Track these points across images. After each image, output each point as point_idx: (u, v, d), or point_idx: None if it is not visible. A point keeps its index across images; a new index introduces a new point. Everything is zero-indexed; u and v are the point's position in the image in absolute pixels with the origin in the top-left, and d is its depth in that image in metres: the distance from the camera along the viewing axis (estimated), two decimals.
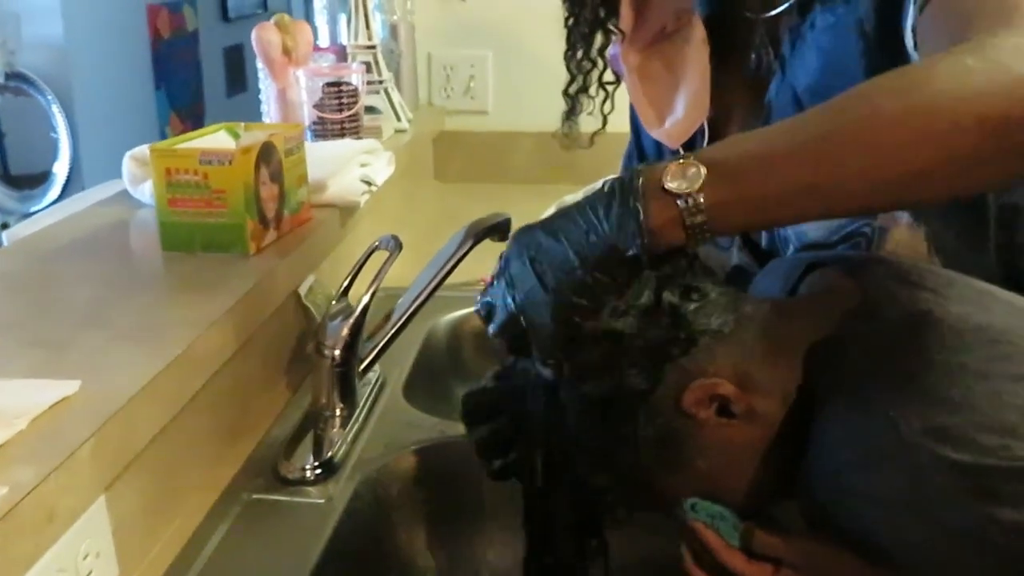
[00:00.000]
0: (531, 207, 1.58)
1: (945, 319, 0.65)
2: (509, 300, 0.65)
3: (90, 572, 0.68)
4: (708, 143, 0.97)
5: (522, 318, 0.64)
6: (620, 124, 1.99)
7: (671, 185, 0.60)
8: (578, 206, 0.64)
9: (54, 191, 3.35)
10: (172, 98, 3.83)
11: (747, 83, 0.91)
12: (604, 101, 1.03)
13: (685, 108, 0.94)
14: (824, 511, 0.66)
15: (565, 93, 1.02)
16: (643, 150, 1.09)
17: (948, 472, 0.58)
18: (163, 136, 3.50)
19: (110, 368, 0.76)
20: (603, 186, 0.64)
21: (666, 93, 0.96)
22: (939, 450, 0.58)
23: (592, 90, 1.01)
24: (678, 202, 0.60)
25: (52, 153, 3.38)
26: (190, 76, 4.00)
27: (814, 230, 0.86)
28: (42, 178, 3.41)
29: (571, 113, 1.03)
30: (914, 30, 0.72)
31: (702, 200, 0.60)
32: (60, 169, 3.37)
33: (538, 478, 0.71)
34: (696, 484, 0.69)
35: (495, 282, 0.68)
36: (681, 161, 0.60)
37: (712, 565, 0.71)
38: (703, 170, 0.60)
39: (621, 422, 0.67)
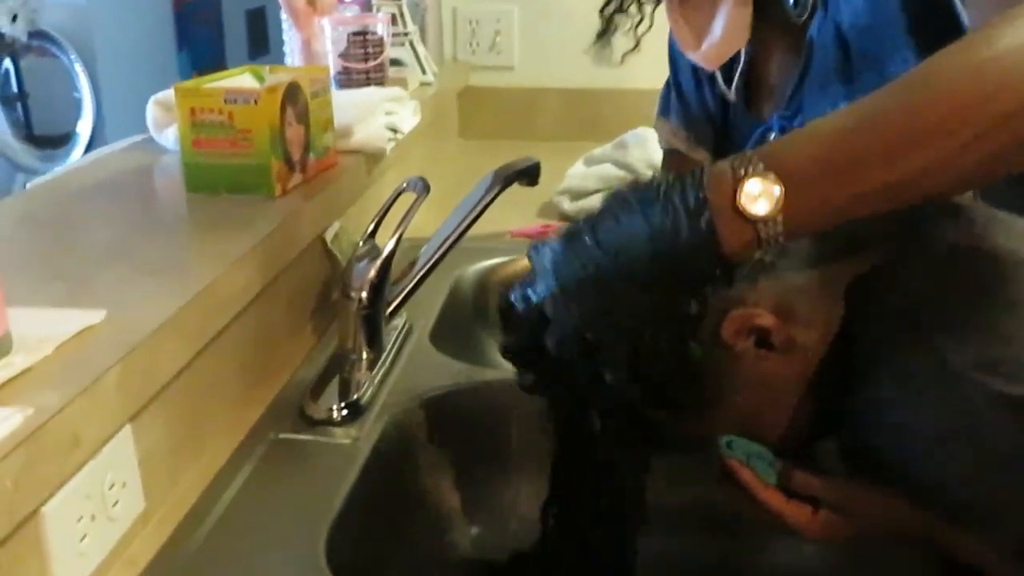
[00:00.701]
0: (557, 164, 1.57)
1: (994, 253, 0.63)
2: (571, 321, 0.59)
3: (116, 502, 0.67)
4: (744, 74, 0.94)
5: (587, 335, 0.59)
6: (648, 80, 1.97)
7: (749, 209, 0.55)
8: (630, 212, 0.58)
9: (77, 151, 3.35)
10: (195, 60, 3.81)
11: (788, 18, 0.88)
12: (639, 23, 1.00)
13: (723, 30, 0.91)
14: (866, 448, 0.64)
15: (601, 12, 0.99)
16: (680, 87, 1.07)
17: (999, 405, 0.56)
18: None
19: (134, 300, 0.75)
20: (659, 189, 0.57)
21: (704, 14, 0.93)
22: (990, 383, 0.56)
23: (632, 9, 0.98)
24: (757, 226, 0.55)
25: (75, 113, 3.38)
26: (212, 38, 3.99)
27: None
28: (65, 138, 3.41)
29: (604, 32, 1.00)
30: None
31: (781, 221, 0.55)
32: (83, 129, 3.37)
33: (569, 401, 0.68)
34: (733, 418, 0.67)
35: (536, 287, 0.62)
36: (750, 172, 0.55)
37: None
38: (780, 190, 0.55)
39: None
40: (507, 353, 0.68)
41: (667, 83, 1.11)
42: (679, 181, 0.57)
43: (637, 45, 1.03)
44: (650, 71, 1.96)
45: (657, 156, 1.47)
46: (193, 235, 0.95)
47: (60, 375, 0.62)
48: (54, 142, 3.42)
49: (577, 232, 0.60)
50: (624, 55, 1.03)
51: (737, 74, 0.95)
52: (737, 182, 0.55)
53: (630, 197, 0.58)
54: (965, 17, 0.71)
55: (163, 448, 0.75)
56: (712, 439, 0.69)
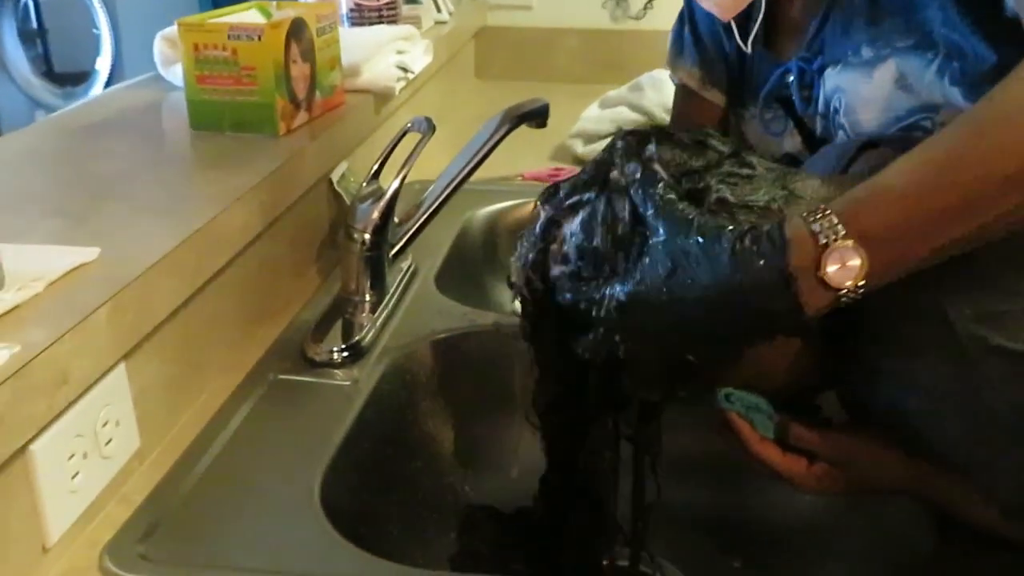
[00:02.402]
0: (574, 107, 1.54)
1: None
2: (612, 346, 0.59)
3: (110, 440, 0.67)
4: (764, 22, 0.91)
5: (622, 348, 0.59)
6: (667, 22, 1.92)
7: (833, 280, 0.53)
8: (704, 271, 0.55)
9: (97, 88, 3.34)
10: None
11: None
12: None
13: None
14: (866, 400, 0.63)
15: None
16: (696, 26, 1.04)
17: (998, 359, 0.55)
18: None
19: (130, 238, 0.74)
20: (734, 249, 0.55)
21: None
22: (990, 337, 0.55)
23: None
24: (839, 292, 0.54)
25: (94, 50, 3.37)
26: None
27: (868, 122, 0.81)
28: (85, 76, 3.40)
29: None
30: None
31: (862, 288, 0.54)
32: (103, 65, 3.35)
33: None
34: (738, 371, 0.66)
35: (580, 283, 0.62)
36: (833, 240, 0.53)
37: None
38: (862, 255, 0.53)
39: None
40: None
41: (679, 21, 1.08)
42: (755, 243, 0.55)
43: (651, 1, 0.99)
44: (670, 11, 1.93)
45: (672, 100, 1.44)
46: (195, 173, 0.94)
47: (50, 312, 0.62)
48: (74, 79, 3.41)
49: (644, 298, 0.58)
50: (641, 10, 1.00)
51: (756, 24, 0.92)
52: (820, 251, 0.54)
53: (701, 251, 0.56)
54: None
55: (160, 387, 0.75)
56: (713, 390, 0.68)
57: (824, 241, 0.53)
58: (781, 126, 0.90)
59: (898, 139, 0.80)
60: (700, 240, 0.56)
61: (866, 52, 0.78)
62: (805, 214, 0.55)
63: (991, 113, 0.55)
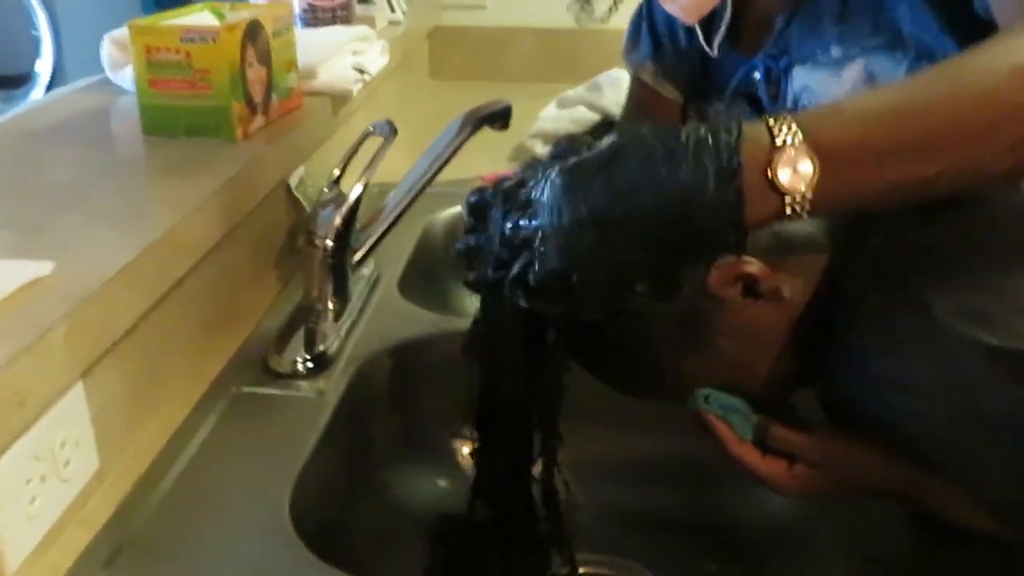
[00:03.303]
0: (531, 107, 1.53)
1: (981, 201, 0.61)
2: (559, 255, 0.55)
3: (68, 461, 0.64)
4: (731, 22, 0.90)
5: (574, 276, 0.55)
6: (624, 21, 1.91)
7: (782, 181, 0.52)
8: (650, 160, 0.53)
9: (37, 91, 3.25)
10: None
11: None
12: None
13: None
14: (848, 399, 0.63)
15: None
16: (654, 20, 1.03)
17: (982, 356, 0.54)
18: None
19: (86, 250, 0.71)
20: (688, 142, 0.53)
21: None
22: (974, 334, 0.54)
23: None
24: (785, 199, 0.52)
25: (34, 52, 3.28)
26: None
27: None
28: (24, 79, 3.31)
29: None
30: None
31: (811, 199, 0.52)
32: (43, 68, 3.26)
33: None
34: (717, 366, 0.66)
35: (532, 217, 0.57)
36: (788, 143, 0.52)
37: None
38: (815, 167, 0.52)
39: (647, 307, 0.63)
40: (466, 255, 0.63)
41: (637, 14, 1.07)
42: (712, 136, 0.53)
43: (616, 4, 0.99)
44: (627, 11, 1.93)
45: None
46: (150, 180, 0.91)
47: (3, 332, 0.59)
48: (12, 82, 3.31)
49: (586, 169, 0.55)
50: (610, 9, 0.99)
51: (723, 26, 0.91)
52: (774, 152, 0.52)
53: (653, 143, 0.54)
54: None
55: (119, 404, 0.72)
56: (692, 390, 0.68)
57: (779, 142, 0.52)
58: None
59: None
60: (659, 138, 0.54)
61: (835, 51, 0.78)
62: (767, 117, 0.53)
63: (964, 70, 0.54)
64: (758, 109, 0.89)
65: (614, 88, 1.48)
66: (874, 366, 0.59)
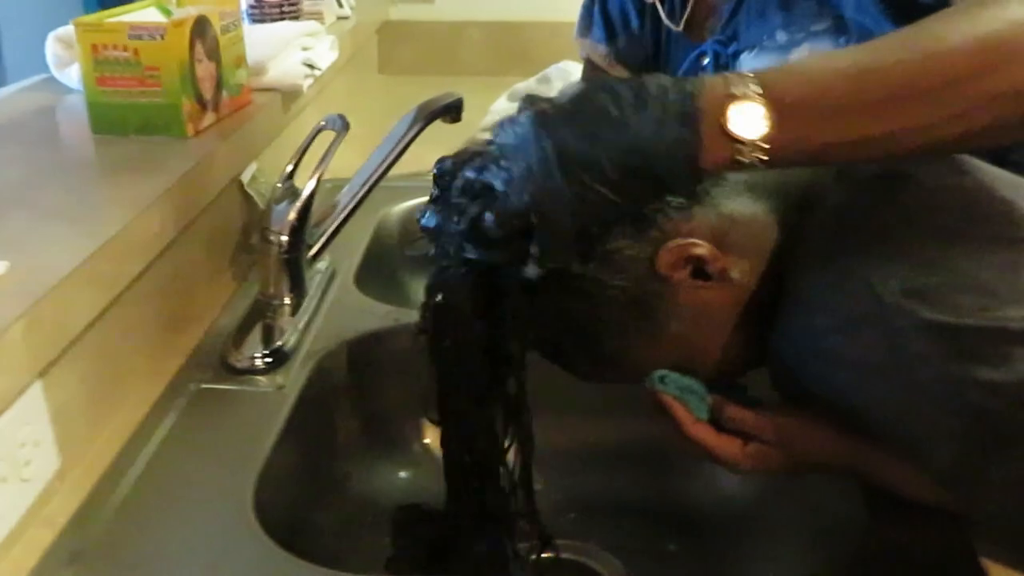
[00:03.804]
0: (482, 100, 1.53)
1: (920, 178, 0.63)
2: (522, 194, 0.56)
3: (28, 461, 0.64)
4: (681, 7, 0.92)
5: (533, 215, 0.57)
6: (571, 13, 1.93)
7: (734, 129, 0.54)
8: (615, 104, 0.55)
9: None
10: None
11: None
12: None
13: None
14: (797, 377, 0.64)
15: None
16: (606, 3, 1.05)
17: (926, 332, 0.56)
18: None
19: (40, 248, 0.71)
20: (649, 89, 0.55)
21: None
22: (917, 311, 0.56)
23: None
24: (736, 146, 0.54)
25: None
26: None
27: None
28: None
29: None
30: None
31: (763, 147, 0.54)
32: None
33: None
34: (669, 349, 0.67)
35: (491, 162, 0.58)
36: (745, 94, 0.54)
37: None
38: (769, 115, 0.54)
39: (598, 289, 0.64)
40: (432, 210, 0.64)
41: (587, 3, 1.09)
42: (675, 85, 0.55)
43: None
44: (573, 4, 1.94)
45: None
46: (102, 179, 0.90)
47: None
48: None
49: (553, 112, 0.56)
50: None
51: (689, 6, 0.93)
52: (729, 99, 0.54)
53: (619, 89, 0.56)
54: None
55: (78, 402, 0.72)
56: (646, 372, 0.69)
57: (735, 93, 0.54)
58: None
59: None
60: (624, 85, 0.56)
61: (781, 36, 0.80)
62: (725, 72, 0.56)
63: (919, 36, 0.56)
64: None
65: (564, 80, 1.49)
66: (822, 343, 0.61)
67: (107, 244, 0.72)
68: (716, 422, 0.69)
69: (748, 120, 0.54)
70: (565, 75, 1.49)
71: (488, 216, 0.58)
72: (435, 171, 0.64)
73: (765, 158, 0.54)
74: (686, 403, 0.69)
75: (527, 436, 0.69)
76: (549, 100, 0.58)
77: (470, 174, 0.60)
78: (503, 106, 1.53)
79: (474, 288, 0.62)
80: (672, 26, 0.94)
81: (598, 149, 0.55)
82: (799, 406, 0.67)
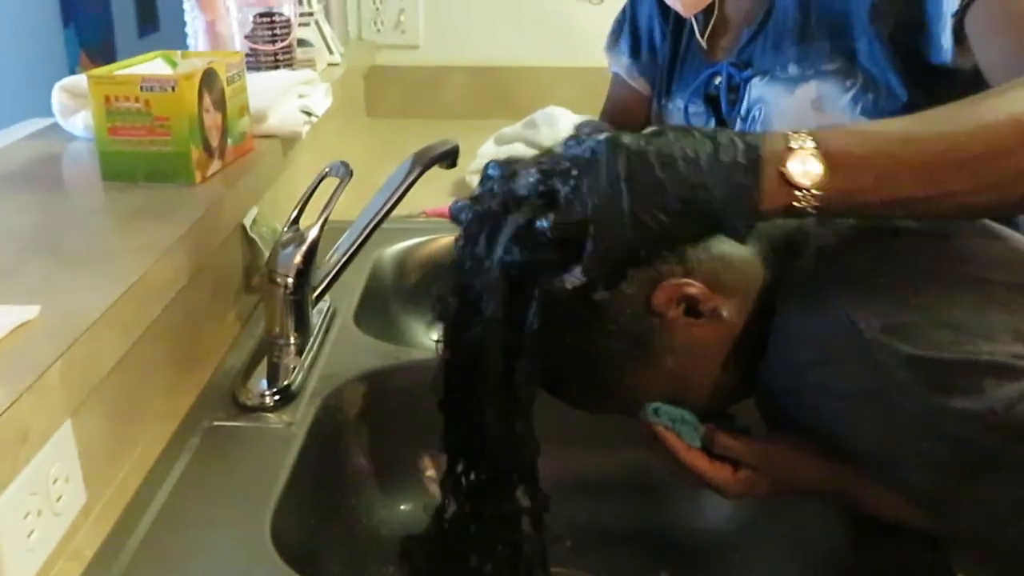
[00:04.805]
0: (467, 143, 1.58)
1: (896, 225, 0.68)
2: (586, 206, 0.61)
3: (60, 496, 0.67)
4: (700, 22, 0.98)
5: (591, 227, 0.62)
6: (554, 59, 2.00)
7: (794, 176, 0.60)
8: (689, 144, 0.61)
9: None
10: (82, 36, 3.67)
11: None
12: None
13: None
14: (785, 407, 0.69)
15: None
16: (636, 21, 1.10)
17: (905, 366, 0.61)
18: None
19: (66, 294, 0.74)
20: (718, 136, 0.61)
21: None
22: (897, 345, 0.61)
23: None
24: (793, 192, 0.60)
25: None
26: (99, 13, 3.85)
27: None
28: None
29: None
30: (956, 15, 0.73)
31: (816, 195, 0.60)
32: None
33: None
34: (663, 382, 0.71)
35: (557, 172, 0.63)
36: (803, 147, 0.60)
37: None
38: (823, 169, 0.59)
39: (598, 323, 0.68)
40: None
41: (622, 14, 1.16)
42: (741, 137, 0.62)
43: None
44: (556, 49, 2.01)
45: (565, 134, 1.50)
46: (116, 225, 0.94)
47: (3, 372, 0.62)
48: None
49: (626, 140, 0.62)
50: None
51: (711, 23, 0.98)
52: (788, 151, 0.60)
53: (694, 133, 0.62)
54: (945, 39, 0.76)
55: (101, 440, 0.75)
56: (640, 405, 0.73)
57: (793, 146, 0.60)
58: (703, 122, 0.97)
59: None
60: (697, 129, 0.62)
61: (792, 69, 0.85)
62: (787, 132, 0.62)
63: (964, 112, 0.62)
64: (715, 109, 0.96)
65: (549, 125, 1.54)
66: (809, 377, 0.65)
67: (130, 289, 0.76)
68: (708, 450, 0.74)
69: (805, 170, 0.60)
70: (552, 120, 1.55)
71: (543, 221, 0.63)
72: (487, 172, 0.69)
73: (818, 204, 0.60)
74: (679, 433, 0.73)
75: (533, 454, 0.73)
76: (624, 131, 0.63)
77: (532, 179, 0.65)
78: (490, 150, 1.58)
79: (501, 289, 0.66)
80: (702, 42, 0.99)
81: (667, 180, 0.60)
82: (786, 434, 0.72)
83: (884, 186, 0.61)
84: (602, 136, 0.62)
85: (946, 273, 0.66)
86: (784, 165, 0.60)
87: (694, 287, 0.68)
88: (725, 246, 0.70)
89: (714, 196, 0.60)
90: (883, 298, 0.64)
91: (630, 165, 0.60)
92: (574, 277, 0.64)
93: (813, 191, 0.60)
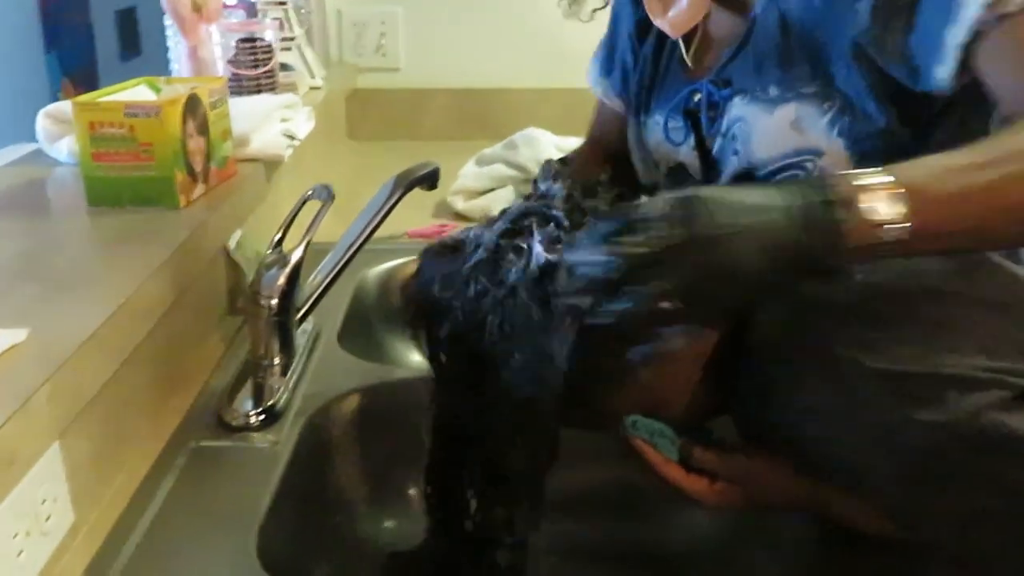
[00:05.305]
0: (447, 165, 1.60)
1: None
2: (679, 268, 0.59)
3: (48, 516, 0.68)
4: (693, 39, 1.00)
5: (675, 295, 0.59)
6: (532, 80, 2.02)
7: (876, 213, 0.59)
8: (761, 194, 0.61)
9: None
10: (64, 62, 3.68)
11: None
12: None
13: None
14: (757, 421, 0.71)
15: None
16: (615, 43, 1.12)
17: (871, 379, 0.63)
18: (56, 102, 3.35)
19: (54, 317, 0.76)
20: (789, 185, 0.61)
21: None
22: (863, 360, 0.63)
23: None
24: (878, 230, 0.59)
25: None
26: (82, 39, 3.86)
27: (758, 153, 0.90)
28: None
29: None
30: (964, 48, 0.73)
31: (903, 228, 0.59)
32: None
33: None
34: (640, 397, 0.73)
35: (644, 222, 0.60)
36: (886, 185, 0.60)
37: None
38: (905, 199, 0.59)
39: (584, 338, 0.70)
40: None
41: (604, 41, 1.17)
42: (807, 182, 0.62)
43: (606, 5, 1.09)
44: (536, 71, 2.04)
45: (545, 155, 1.53)
46: (103, 249, 0.95)
47: None
48: None
49: (702, 196, 0.60)
50: (594, 11, 1.09)
51: (695, 43, 1.00)
52: (861, 189, 0.60)
53: (752, 185, 0.62)
54: (941, 70, 0.76)
55: (88, 461, 0.76)
56: (618, 419, 0.75)
57: (865, 183, 0.60)
58: (681, 137, 0.98)
59: (775, 172, 0.89)
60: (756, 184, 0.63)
61: (773, 91, 0.87)
62: (849, 171, 0.62)
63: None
64: (694, 124, 0.98)
65: (529, 146, 1.56)
66: (779, 392, 0.67)
67: (116, 313, 0.77)
68: (686, 462, 0.75)
69: (886, 206, 0.60)
70: (531, 141, 1.57)
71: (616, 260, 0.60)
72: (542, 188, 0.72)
73: (906, 238, 0.60)
74: (656, 446, 0.75)
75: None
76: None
77: (592, 239, 0.62)
78: (472, 171, 1.60)
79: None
80: (688, 60, 1.01)
81: (759, 222, 0.59)
82: (761, 448, 0.74)
83: (958, 219, 0.62)
84: (666, 200, 0.61)
85: (913, 289, 0.68)
86: (863, 201, 0.59)
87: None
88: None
89: (802, 239, 0.59)
90: (853, 315, 0.66)
91: (716, 220, 0.59)
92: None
93: (896, 226, 0.59)
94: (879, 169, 0.62)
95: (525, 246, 0.68)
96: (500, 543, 0.78)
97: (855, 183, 0.60)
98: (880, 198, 0.60)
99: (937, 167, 0.63)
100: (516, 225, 0.70)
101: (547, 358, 0.65)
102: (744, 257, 0.58)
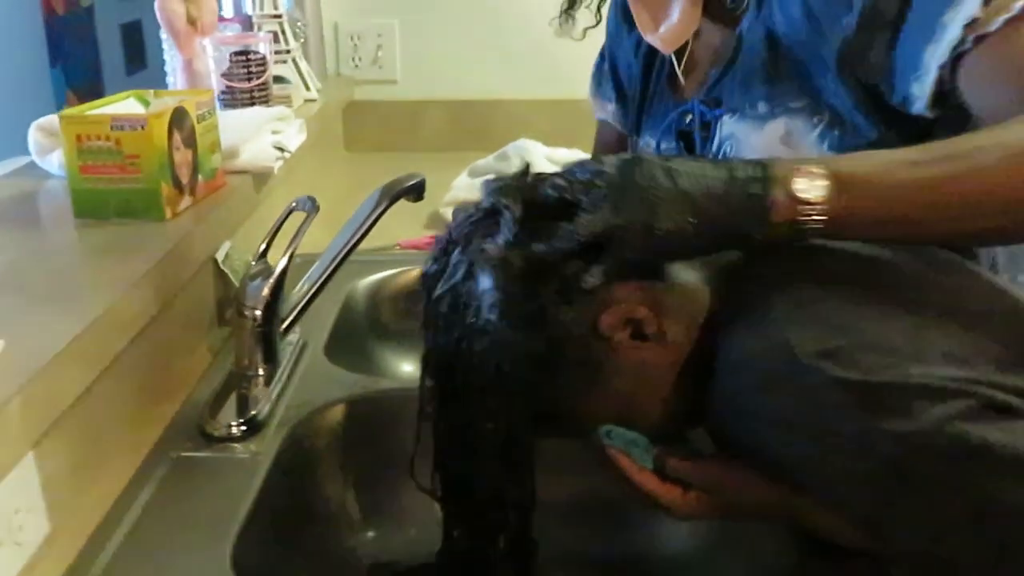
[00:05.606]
0: (442, 175, 1.61)
1: (836, 250, 0.71)
2: (617, 211, 0.65)
3: (21, 527, 0.69)
4: (668, 62, 1.01)
5: (618, 232, 0.66)
6: (528, 92, 2.02)
7: (801, 192, 0.64)
8: (703, 164, 0.67)
9: None
10: (69, 76, 3.71)
11: (727, 10, 0.94)
12: (601, 2, 1.08)
13: (679, 15, 0.97)
14: (727, 431, 0.71)
15: None
16: (615, 64, 1.13)
17: (837, 389, 0.62)
18: None
19: (31, 329, 0.76)
20: (728, 160, 0.67)
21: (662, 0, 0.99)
22: (829, 369, 0.63)
23: None
24: (802, 208, 0.64)
25: None
26: (87, 53, 3.89)
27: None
28: None
29: (571, 7, 1.07)
30: (944, 67, 0.75)
31: (823, 211, 0.64)
32: None
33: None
34: (612, 405, 0.73)
35: (587, 183, 0.67)
36: (812, 169, 0.65)
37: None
38: (828, 185, 0.64)
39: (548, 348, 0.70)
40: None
41: (600, 58, 1.18)
42: (747, 161, 0.67)
43: (598, 23, 1.12)
44: (530, 83, 2.05)
45: (537, 167, 1.53)
46: (85, 261, 0.96)
47: None
48: None
49: (651, 160, 0.67)
50: (585, 30, 1.12)
51: (684, 58, 1.01)
52: (796, 170, 0.65)
53: (704, 157, 0.68)
54: (918, 88, 0.77)
55: (65, 471, 0.76)
56: (593, 429, 0.75)
57: (800, 166, 0.65)
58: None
59: None
60: (703, 159, 0.69)
61: (762, 107, 0.88)
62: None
63: (963, 148, 0.66)
64: (688, 146, 0.99)
65: (521, 158, 1.57)
66: (747, 402, 0.67)
67: (93, 324, 0.78)
68: (660, 471, 0.75)
69: (812, 185, 0.64)
70: (523, 152, 1.58)
71: (583, 220, 0.66)
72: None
73: (824, 219, 0.64)
74: (630, 455, 0.75)
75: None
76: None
77: (561, 179, 0.69)
78: (464, 182, 1.61)
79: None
80: (681, 78, 1.01)
81: (691, 192, 0.65)
82: (734, 457, 0.74)
83: (886, 208, 0.65)
84: (624, 155, 0.68)
85: (883, 297, 0.68)
86: (792, 181, 0.64)
87: (639, 310, 0.70)
88: (669, 271, 0.72)
89: (731, 207, 0.65)
90: (819, 324, 0.66)
91: (655, 178, 0.65)
92: (593, 278, 0.67)
93: (819, 207, 0.64)
94: (824, 157, 0.66)
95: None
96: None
97: (792, 165, 0.65)
98: (810, 179, 0.64)
99: (882, 159, 0.68)
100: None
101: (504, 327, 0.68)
102: (666, 213, 0.65)
